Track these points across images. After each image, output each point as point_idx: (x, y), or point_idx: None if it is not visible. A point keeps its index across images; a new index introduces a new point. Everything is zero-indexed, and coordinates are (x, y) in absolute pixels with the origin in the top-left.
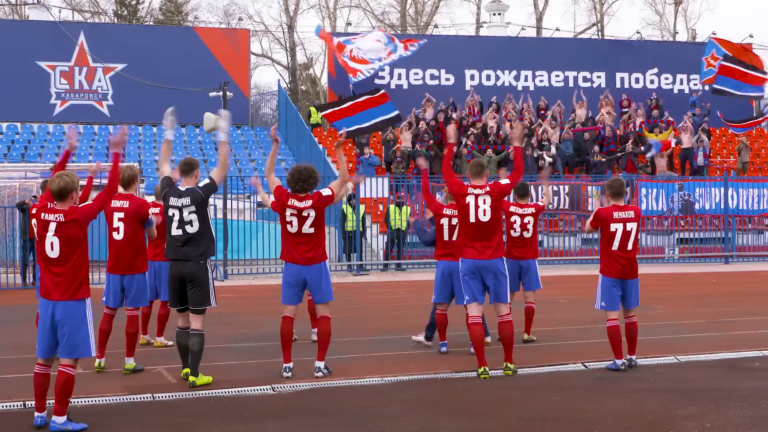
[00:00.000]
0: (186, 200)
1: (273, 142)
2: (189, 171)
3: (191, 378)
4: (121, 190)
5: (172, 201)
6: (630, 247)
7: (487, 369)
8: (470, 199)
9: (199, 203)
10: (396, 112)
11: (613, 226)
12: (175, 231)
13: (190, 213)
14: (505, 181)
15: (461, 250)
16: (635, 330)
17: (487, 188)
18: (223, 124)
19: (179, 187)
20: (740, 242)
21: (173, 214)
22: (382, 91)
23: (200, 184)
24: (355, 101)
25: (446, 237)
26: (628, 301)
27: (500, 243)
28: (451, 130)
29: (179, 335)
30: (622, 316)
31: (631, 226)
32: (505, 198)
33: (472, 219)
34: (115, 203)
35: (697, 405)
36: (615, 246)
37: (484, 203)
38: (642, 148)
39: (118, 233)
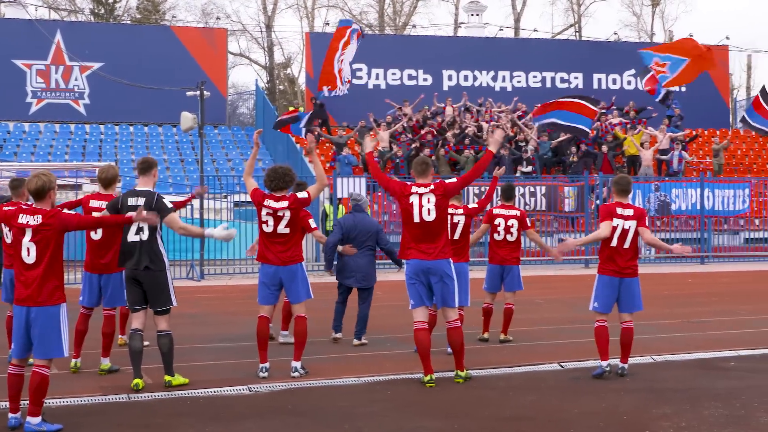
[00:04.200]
0: (141, 200)
1: (254, 145)
2: (146, 170)
3: (167, 378)
4: (101, 189)
5: (131, 201)
6: (627, 245)
7: (433, 377)
8: (414, 199)
9: (149, 209)
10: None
11: (615, 221)
12: (132, 237)
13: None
14: (451, 179)
15: (405, 251)
16: (630, 336)
17: (432, 187)
18: (219, 234)
19: (136, 188)
20: (716, 243)
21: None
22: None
23: (160, 198)
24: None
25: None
26: (626, 304)
27: (447, 244)
28: (368, 140)
29: (133, 338)
30: (618, 319)
31: (630, 224)
32: (453, 199)
33: (417, 219)
34: (94, 203)
35: (672, 404)
36: (614, 242)
37: (429, 202)
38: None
39: (96, 233)
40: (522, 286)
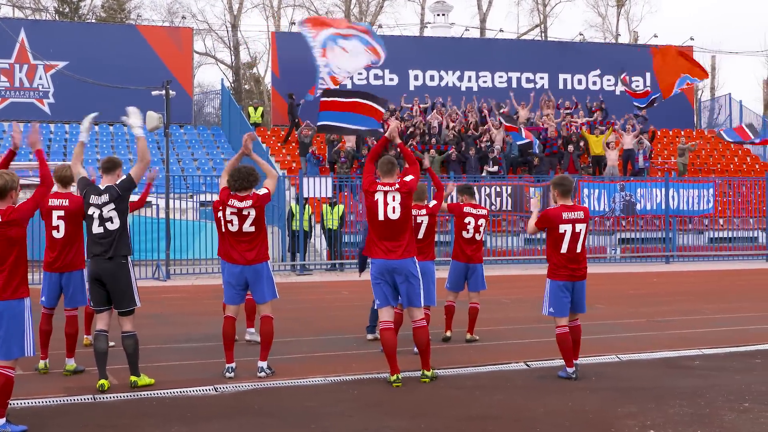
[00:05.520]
0: (105, 197)
1: (243, 147)
2: (110, 169)
3: (132, 378)
4: (59, 188)
5: (93, 199)
6: (579, 249)
7: (399, 377)
8: (379, 196)
9: (116, 199)
10: (380, 129)
11: (561, 227)
12: (97, 229)
13: (109, 210)
14: (409, 177)
15: (370, 249)
16: (579, 333)
17: (397, 185)
18: (134, 120)
19: (99, 186)
20: (680, 242)
21: (93, 212)
22: (382, 109)
23: (118, 181)
24: (358, 100)
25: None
26: (577, 306)
27: (411, 243)
28: (393, 124)
29: (98, 339)
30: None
31: (580, 227)
32: (416, 199)
33: (381, 217)
34: (54, 202)
35: (637, 403)
36: (564, 249)
37: (394, 200)
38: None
39: (58, 232)
40: (485, 285)
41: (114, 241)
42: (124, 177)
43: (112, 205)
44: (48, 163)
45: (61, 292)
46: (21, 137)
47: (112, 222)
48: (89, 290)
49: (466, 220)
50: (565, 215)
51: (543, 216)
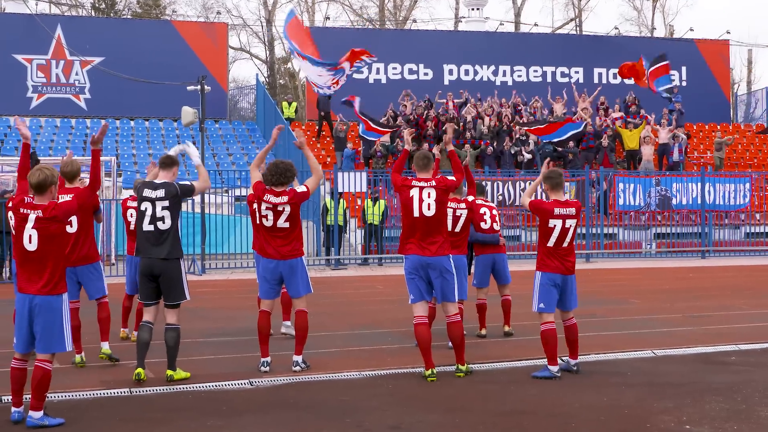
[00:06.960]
0: (160, 192)
1: (271, 139)
2: (168, 165)
3: (169, 372)
4: (66, 183)
5: (147, 193)
6: (566, 243)
7: (434, 371)
8: (414, 192)
9: (172, 197)
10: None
11: (551, 222)
12: (147, 227)
13: (163, 209)
14: (452, 177)
15: (404, 246)
16: (575, 332)
17: (433, 182)
18: (192, 150)
19: (154, 181)
20: (717, 237)
21: (146, 208)
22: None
23: (179, 182)
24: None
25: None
26: (566, 301)
27: (446, 240)
28: (407, 134)
29: (143, 329)
30: (559, 317)
31: (570, 223)
32: (456, 193)
33: (416, 213)
34: (63, 198)
35: (673, 399)
36: (551, 242)
37: (429, 197)
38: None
39: (71, 227)
40: (510, 277)
41: (166, 242)
42: (187, 183)
43: (166, 202)
44: (85, 158)
45: (80, 285)
46: (25, 127)
47: (163, 222)
48: (138, 284)
49: (482, 211)
50: (557, 211)
51: (536, 203)
